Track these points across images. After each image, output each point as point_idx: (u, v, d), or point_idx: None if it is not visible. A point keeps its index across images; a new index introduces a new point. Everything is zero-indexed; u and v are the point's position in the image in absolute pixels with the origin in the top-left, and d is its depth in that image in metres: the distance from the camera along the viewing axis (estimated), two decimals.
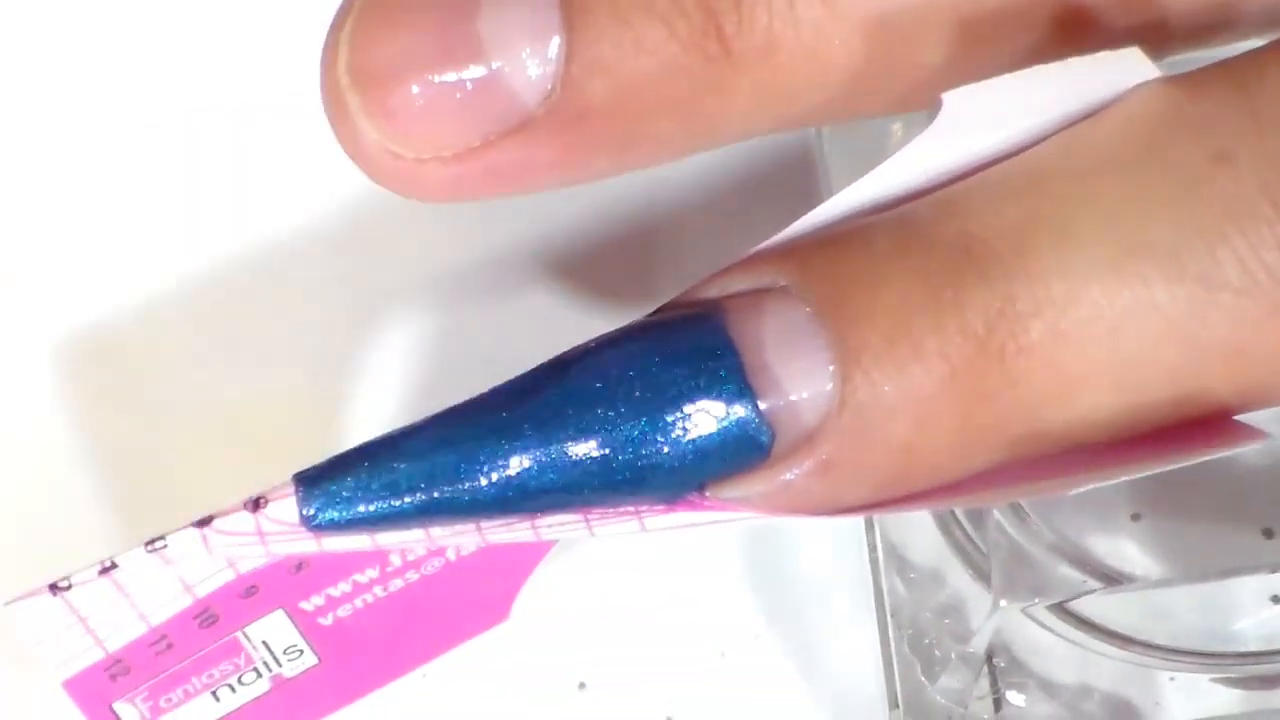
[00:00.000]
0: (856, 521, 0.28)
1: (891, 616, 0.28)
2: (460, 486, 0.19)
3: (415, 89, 0.20)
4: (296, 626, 0.21)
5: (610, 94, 0.20)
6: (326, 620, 0.21)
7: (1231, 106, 0.19)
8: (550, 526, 0.20)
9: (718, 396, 0.19)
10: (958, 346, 0.19)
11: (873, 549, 0.28)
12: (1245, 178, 0.19)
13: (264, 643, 0.21)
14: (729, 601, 0.30)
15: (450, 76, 0.20)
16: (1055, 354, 0.19)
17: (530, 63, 0.20)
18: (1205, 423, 0.20)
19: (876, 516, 0.28)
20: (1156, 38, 0.21)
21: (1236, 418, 0.20)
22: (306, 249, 0.32)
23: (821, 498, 0.20)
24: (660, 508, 0.20)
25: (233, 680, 0.22)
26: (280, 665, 0.22)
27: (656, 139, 0.21)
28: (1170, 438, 0.20)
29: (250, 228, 0.32)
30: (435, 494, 0.19)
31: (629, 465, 0.19)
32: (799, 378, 0.19)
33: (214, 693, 0.22)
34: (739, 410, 0.19)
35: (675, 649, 0.30)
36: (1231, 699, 0.27)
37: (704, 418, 0.19)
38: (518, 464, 0.19)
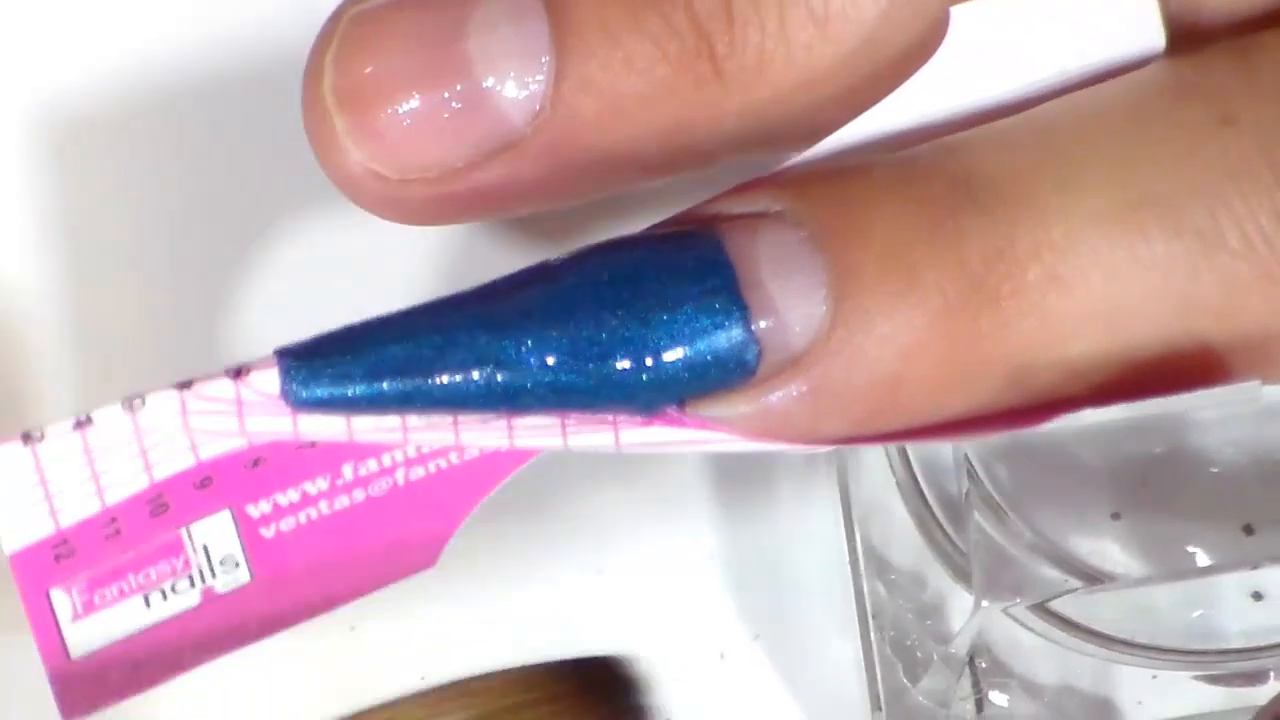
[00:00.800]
0: (841, 522, 0.28)
1: (873, 618, 0.28)
2: (443, 375, 0.19)
3: (402, 109, 0.20)
4: (238, 533, 0.21)
5: (599, 113, 0.20)
6: (268, 531, 0.21)
7: (1236, 76, 0.20)
8: (526, 429, 0.20)
9: (709, 308, 0.19)
10: (954, 281, 0.19)
11: (853, 551, 0.28)
12: (1248, 141, 0.19)
13: (204, 547, 0.21)
14: (728, 604, 0.30)
15: (438, 95, 0.20)
16: (1049, 298, 0.19)
17: (519, 81, 0.20)
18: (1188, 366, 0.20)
19: (856, 519, 0.28)
20: None
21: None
22: (292, 207, 0.31)
23: (802, 424, 0.20)
24: (638, 420, 0.20)
25: (166, 586, 0.21)
26: (214, 576, 0.21)
27: (644, 160, 0.21)
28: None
29: (232, 198, 0.31)
30: (417, 380, 0.19)
31: (612, 368, 0.19)
32: (792, 297, 0.19)
33: (145, 597, 0.21)
34: (729, 324, 0.19)
35: (675, 652, 0.30)
36: (1214, 696, 0.27)
37: (693, 328, 0.19)
38: (502, 357, 0.19)
